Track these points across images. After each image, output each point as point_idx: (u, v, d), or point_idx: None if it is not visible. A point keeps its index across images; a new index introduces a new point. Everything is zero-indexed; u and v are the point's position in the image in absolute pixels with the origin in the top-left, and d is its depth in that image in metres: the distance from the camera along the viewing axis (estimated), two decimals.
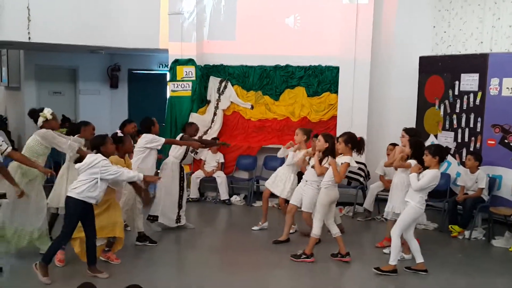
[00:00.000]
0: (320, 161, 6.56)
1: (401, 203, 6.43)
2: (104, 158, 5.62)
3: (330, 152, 6.50)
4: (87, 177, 5.54)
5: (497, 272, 6.45)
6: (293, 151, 7.51)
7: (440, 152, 6.08)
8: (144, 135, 7.16)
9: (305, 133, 7.57)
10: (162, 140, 7.16)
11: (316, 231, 6.39)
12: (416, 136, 6.84)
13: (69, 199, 5.59)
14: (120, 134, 6.34)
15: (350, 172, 9.06)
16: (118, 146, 6.13)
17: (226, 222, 9.06)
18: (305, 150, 7.24)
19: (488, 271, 6.46)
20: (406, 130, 7.01)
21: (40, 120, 6.32)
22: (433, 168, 6.02)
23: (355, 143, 6.42)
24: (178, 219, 7.70)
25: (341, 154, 6.43)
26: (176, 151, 7.62)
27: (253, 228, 7.90)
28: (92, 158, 5.59)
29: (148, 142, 7.08)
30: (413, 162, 6.36)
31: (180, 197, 7.66)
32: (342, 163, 6.32)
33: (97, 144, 5.74)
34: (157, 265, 6.46)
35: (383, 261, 6.35)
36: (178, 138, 7.76)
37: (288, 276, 6.19)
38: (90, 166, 5.54)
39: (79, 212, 5.60)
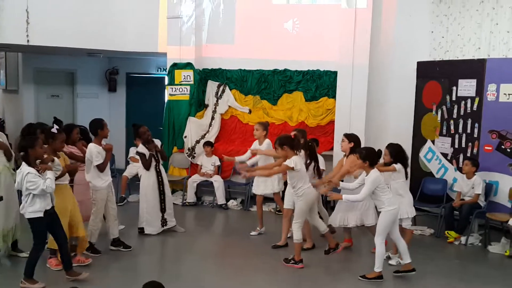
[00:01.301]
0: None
1: (408, 206, 6.50)
2: (29, 171, 5.32)
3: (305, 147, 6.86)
4: (24, 193, 5.40)
5: (493, 278, 6.43)
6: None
7: (371, 157, 5.99)
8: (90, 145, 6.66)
9: (265, 128, 7.82)
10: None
11: (297, 236, 6.40)
12: (356, 142, 6.96)
13: (32, 220, 5.48)
14: (54, 130, 6.00)
15: None
16: (49, 141, 5.90)
17: (222, 226, 9.04)
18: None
19: (484, 277, 6.45)
20: (347, 136, 7.12)
21: None
22: (367, 171, 5.97)
23: (289, 144, 6.39)
24: (164, 223, 7.72)
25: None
26: (139, 164, 7.65)
27: (251, 233, 7.90)
28: (20, 174, 5.38)
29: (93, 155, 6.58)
30: (397, 166, 6.39)
31: (162, 201, 7.67)
32: (283, 164, 6.38)
33: (25, 146, 5.42)
34: (153, 270, 6.46)
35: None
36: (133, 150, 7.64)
37: (285, 281, 6.18)
38: (22, 183, 5.37)
39: (41, 225, 5.50)
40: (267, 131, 7.91)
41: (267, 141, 7.80)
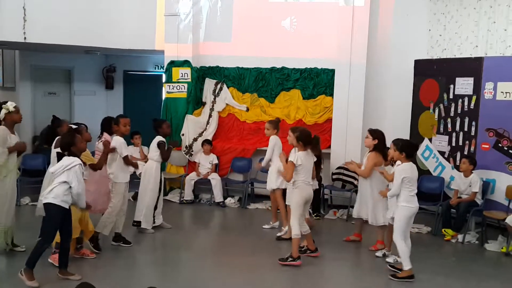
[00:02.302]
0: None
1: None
2: (80, 163, 5.48)
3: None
4: (63, 180, 5.44)
5: (490, 276, 6.45)
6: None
7: (407, 148, 6.06)
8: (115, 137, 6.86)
9: (275, 126, 7.77)
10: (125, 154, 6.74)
11: (296, 231, 6.38)
12: (380, 139, 6.93)
13: (49, 206, 5.48)
14: (74, 126, 6.17)
15: (344, 175, 9.10)
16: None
17: (220, 224, 9.03)
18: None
19: (481, 274, 6.47)
20: (371, 132, 7.07)
21: (2, 112, 6.27)
22: (403, 162, 6.02)
23: (307, 140, 6.42)
24: (153, 220, 7.71)
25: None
26: (154, 154, 7.57)
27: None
28: (70, 160, 5.46)
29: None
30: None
31: (157, 199, 7.67)
32: (288, 161, 6.34)
33: (68, 144, 5.55)
34: (151, 267, 6.45)
35: (375, 264, 6.50)
36: (155, 141, 7.58)
37: (283, 278, 6.18)
38: (66, 168, 5.42)
39: (60, 217, 5.51)
40: (278, 129, 7.83)
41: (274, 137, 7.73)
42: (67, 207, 5.54)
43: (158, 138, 7.58)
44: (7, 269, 6.16)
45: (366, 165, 6.95)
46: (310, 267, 6.44)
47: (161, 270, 6.32)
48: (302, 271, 6.30)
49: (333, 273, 6.50)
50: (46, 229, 5.57)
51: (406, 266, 6.03)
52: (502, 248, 7.19)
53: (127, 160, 6.75)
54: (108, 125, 7.25)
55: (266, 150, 7.97)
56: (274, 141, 7.71)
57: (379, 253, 6.88)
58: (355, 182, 8.99)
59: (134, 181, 8.06)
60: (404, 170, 6.00)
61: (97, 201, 6.67)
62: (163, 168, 9.65)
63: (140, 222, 7.58)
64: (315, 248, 6.78)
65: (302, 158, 6.35)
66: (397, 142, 6.18)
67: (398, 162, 6.51)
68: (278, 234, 7.58)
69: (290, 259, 6.43)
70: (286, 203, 7.21)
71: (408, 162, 6.05)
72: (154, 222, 7.71)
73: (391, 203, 6.32)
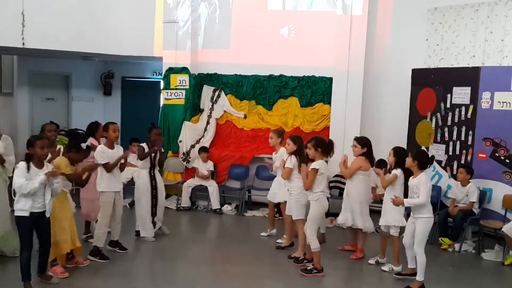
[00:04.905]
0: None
1: (398, 214, 6.50)
2: (19, 166, 5.26)
3: (299, 153, 6.67)
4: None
5: (487, 285, 6.46)
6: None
7: (421, 157, 6.03)
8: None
9: (279, 135, 7.76)
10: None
11: (315, 245, 6.31)
12: (368, 145, 6.97)
13: (16, 218, 5.38)
14: (84, 146, 6.13)
15: (341, 183, 9.10)
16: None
17: (217, 231, 9.02)
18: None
19: (478, 284, 6.47)
20: (358, 140, 7.10)
21: None
22: (417, 174, 5.99)
23: (324, 146, 6.46)
24: (153, 226, 7.68)
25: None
26: (138, 162, 7.55)
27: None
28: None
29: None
30: (398, 171, 6.40)
31: (154, 205, 7.60)
32: (310, 169, 6.31)
33: (27, 144, 5.37)
34: (147, 275, 6.43)
35: (372, 272, 6.47)
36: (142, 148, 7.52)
37: (280, 287, 6.17)
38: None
39: (25, 226, 5.35)
40: (283, 138, 7.71)
41: (282, 149, 7.60)
42: (27, 213, 5.28)
43: (143, 144, 7.55)
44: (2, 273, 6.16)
45: (351, 166, 6.99)
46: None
47: (157, 278, 6.29)
48: (299, 279, 6.29)
49: (330, 282, 6.47)
50: (19, 239, 5.44)
51: (421, 278, 5.98)
52: (506, 261, 7.10)
53: (108, 168, 6.58)
54: (94, 130, 7.26)
55: (263, 158, 8.02)
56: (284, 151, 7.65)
57: (371, 261, 6.89)
58: None
59: (132, 187, 8.06)
60: (428, 180, 5.93)
61: (96, 208, 6.75)
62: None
63: (138, 231, 7.56)
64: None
65: (322, 166, 6.34)
66: (412, 150, 6.24)
67: (393, 171, 6.55)
68: (279, 241, 7.59)
69: (315, 271, 6.37)
70: (286, 213, 7.20)
71: (422, 172, 5.97)
72: (154, 227, 7.65)
73: (391, 211, 6.36)
